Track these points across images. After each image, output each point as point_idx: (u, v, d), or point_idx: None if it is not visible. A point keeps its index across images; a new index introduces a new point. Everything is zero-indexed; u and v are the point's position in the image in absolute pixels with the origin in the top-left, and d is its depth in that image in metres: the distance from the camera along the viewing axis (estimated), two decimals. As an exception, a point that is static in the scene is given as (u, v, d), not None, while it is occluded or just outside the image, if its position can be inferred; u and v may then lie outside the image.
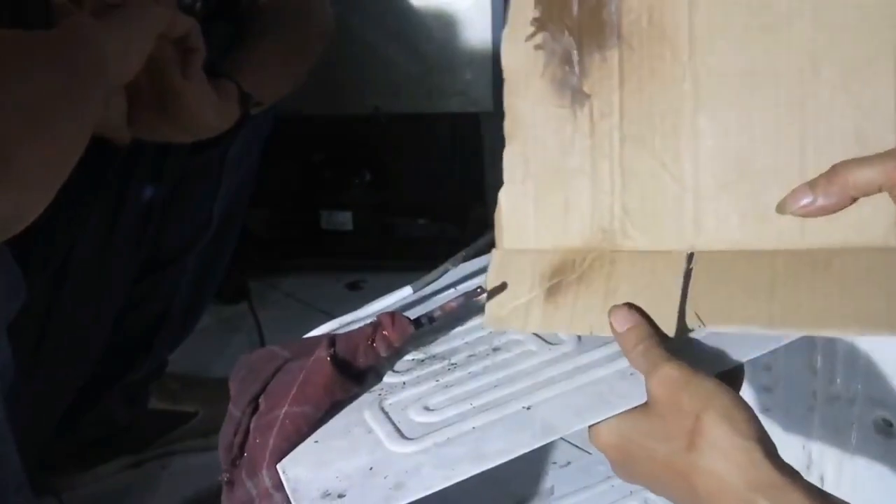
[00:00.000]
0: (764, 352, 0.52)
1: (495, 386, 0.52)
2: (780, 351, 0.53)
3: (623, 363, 0.51)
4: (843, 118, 0.47)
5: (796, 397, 0.70)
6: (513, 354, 0.55)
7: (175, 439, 0.96)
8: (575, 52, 0.55)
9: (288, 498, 0.46)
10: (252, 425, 0.52)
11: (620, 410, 0.47)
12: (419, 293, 0.62)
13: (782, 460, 0.41)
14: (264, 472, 0.48)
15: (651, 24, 0.52)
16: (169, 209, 0.84)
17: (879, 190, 0.46)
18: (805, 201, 0.47)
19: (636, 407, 0.46)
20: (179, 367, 1.01)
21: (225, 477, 0.53)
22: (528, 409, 0.48)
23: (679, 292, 0.51)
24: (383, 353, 0.54)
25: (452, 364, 0.56)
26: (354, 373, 0.53)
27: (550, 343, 0.55)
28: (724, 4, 0.50)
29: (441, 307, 0.57)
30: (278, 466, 0.48)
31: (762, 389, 0.74)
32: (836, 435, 0.67)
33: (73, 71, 0.49)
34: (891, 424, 0.64)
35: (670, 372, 0.44)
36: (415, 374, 0.55)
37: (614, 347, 0.53)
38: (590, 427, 0.47)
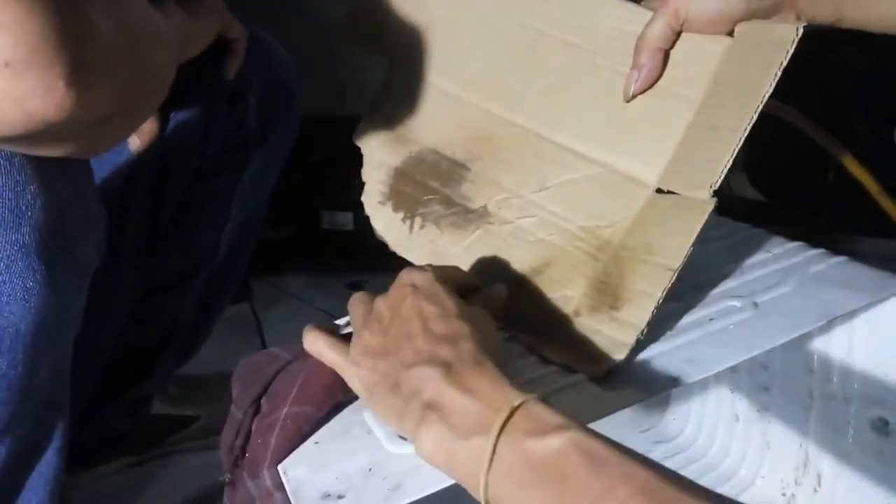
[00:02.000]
0: (761, 351, 0.53)
1: (493, 386, 0.52)
2: (776, 350, 0.53)
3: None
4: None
5: (793, 396, 0.71)
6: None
7: (176, 443, 0.96)
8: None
9: (288, 498, 0.47)
10: (254, 426, 0.52)
11: (616, 411, 0.48)
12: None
13: None
14: (265, 472, 0.49)
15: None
16: (173, 236, 0.83)
17: (673, 32, 0.54)
18: (634, 77, 0.55)
19: None
20: (181, 369, 1.01)
21: (227, 477, 0.53)
22: (524, 408, 0.49)
23: None
24: (383, 355, 0.55)
25: (451, 365, 0.56)
26: (354, 374, 0.54)
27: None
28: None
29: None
30: (279, 467, 0.49)
31: (759, 388, 0.75)
32: (833, 433, 0.67)
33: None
34: (887, 423, 0.64)
35: None
36: (414, 374, 0.56)
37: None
38: None
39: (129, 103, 0.44)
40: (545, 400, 0.39)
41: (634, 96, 0.56)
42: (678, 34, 0.55)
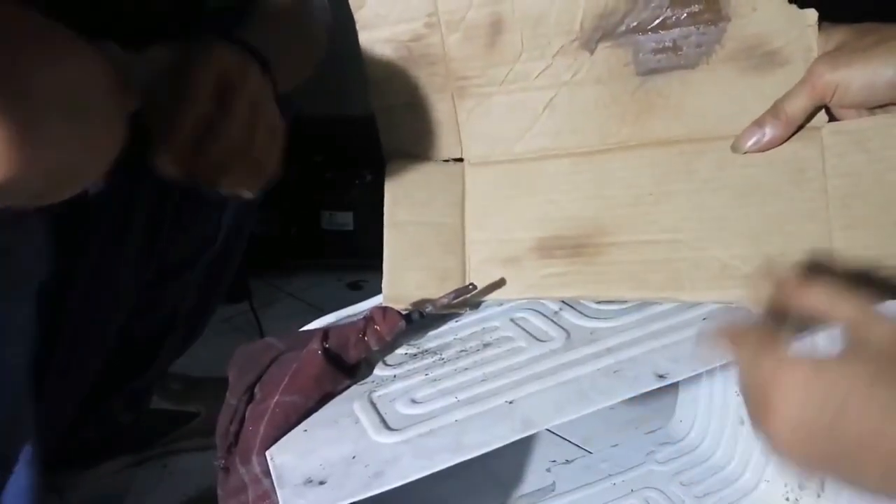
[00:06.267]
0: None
1: (482, 381, 0.52)
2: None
3: (607, 360, 0.51)
4: None
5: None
6: (502, 350, 0.56)
7: (177, 439, 0.97)
8: None
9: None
10: (247, 414, 0.53)
11: (599, 406, 0.47)
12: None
13: None
14: (255, 458, 0.50)
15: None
16: (176, 225, 0.83)
17: (816, 110, 0.51)
18: (755, 138, 0.53)
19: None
20: (181, 367, 1.00)
21: (221, 462, 0.54)
22: (511, 403, 0.49)
23: None
24: (374, 347, 0.55)
25: (442, 359, 0.56)
26: (345, 366, 0.54)
27: (539, 339, 0.56)
28: None
29: (432, 303, 0.58)
30: (267, 453, 0.49)
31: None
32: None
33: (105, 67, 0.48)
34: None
35: None
36: (405, 367, 0.56)
37: (601, 345, 0.54)
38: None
39: (75, 161, 0.43)
40: None
41: (746, 153, 0.54)
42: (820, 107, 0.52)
